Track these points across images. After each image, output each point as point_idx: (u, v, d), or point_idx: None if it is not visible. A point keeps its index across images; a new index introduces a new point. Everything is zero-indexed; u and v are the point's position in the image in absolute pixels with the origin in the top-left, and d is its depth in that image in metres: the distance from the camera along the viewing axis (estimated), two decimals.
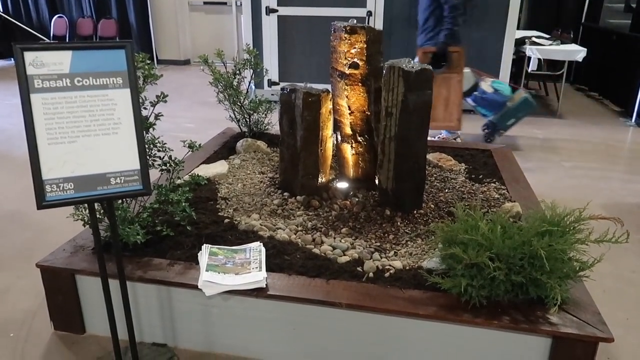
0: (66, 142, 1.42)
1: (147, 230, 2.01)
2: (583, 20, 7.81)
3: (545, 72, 6.09)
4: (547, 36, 6.30)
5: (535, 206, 2.42)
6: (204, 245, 1.99)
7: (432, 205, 2.54)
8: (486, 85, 4.63)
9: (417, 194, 2.51)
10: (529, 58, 5.74)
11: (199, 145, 2.16)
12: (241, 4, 6.41)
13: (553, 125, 5.54)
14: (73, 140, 1.42)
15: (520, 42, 5.88)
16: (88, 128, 1.44)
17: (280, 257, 1.99)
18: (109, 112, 1.46)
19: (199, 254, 1.95)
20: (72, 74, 1.42)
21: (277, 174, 2.81)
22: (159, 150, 2.08)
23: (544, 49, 5.72)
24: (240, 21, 7.77)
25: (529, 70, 5.78)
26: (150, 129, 1.96)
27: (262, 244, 2.04)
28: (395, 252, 2.10)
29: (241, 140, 3.27)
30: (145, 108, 1.97)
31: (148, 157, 2.08)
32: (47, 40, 8.82)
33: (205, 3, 9.02)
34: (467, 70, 4.54)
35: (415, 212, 2.46)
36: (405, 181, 2.43)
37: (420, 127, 2.39)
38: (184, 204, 2.03)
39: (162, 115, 1.95)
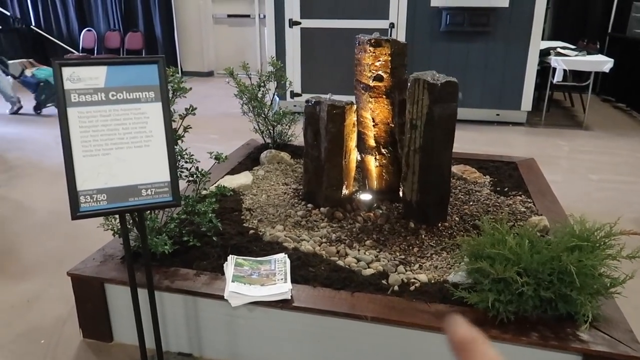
0: (100, 154, 1.46)
1: (174, 240, 2.04)
2: (609, 30, 7.69)
3: (570, 83, 6.00)
4: (573, 47, 6.22)
5: (563, 220, 2.38)
6: (230, 256, 2.01)
7: (457, 218, 2.52)
8: (29, 71, 6.19)
9: (441, 206, 2.50)
10: (554, 69, 5.67)
11: (225, 157, 2.19)
12: (264, 17, 6.50)
13: (579, 137, 5.45)
14: (107, 153, 1.47)
15: (545, 53, 5.81)
16: (121, 141, 1.48)
17: (305, 269, 1.99)
18: (141, 125, 1.50)
19: (224, 265, 1.97)
20: (106, 89, 1.47)
21: (301, 185, 2.83)
22: (186, 162, 2.12)
23: (570, 59, 5.64)
24: (264, 33, 7.88)
25: (554, 81, 5.71)
26: (179, 141, 2.00)
27: (286, 255, 2.05)
28: (420, 265, 2.09)
29: (265, 152, 3.31)
30: (174, 120, 2.01)
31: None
32: (77, 53, 9.08)
33: (229, 16, 9.18)
34: (13, 62, 6.23)
35: (439, 224, 2.45)
36: (429, 193, 2.42)
37: (445, 139, 2.38)
38: (210, 215, 2.06)
39: (190, 127, 1.99)
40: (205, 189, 2.24)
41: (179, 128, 1.98)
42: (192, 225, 2.15)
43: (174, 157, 1.52)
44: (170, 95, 1.99)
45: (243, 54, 8.83)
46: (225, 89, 3.61)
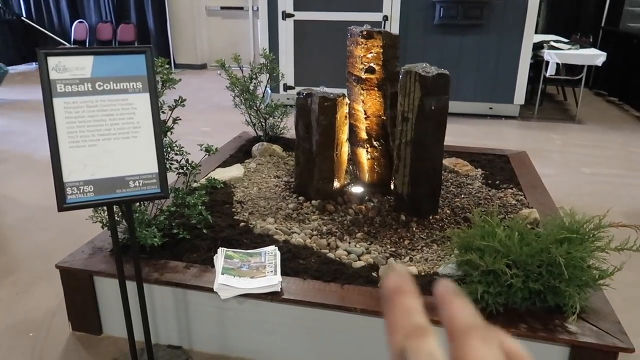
0: (87, 145, 1.45)
1: (163, 233, 2.03)
2: (603, 24, 7.70)
3: (563, 77, 6.01)
4: (566, 40, 6.23)
5: (554, 213, 2.39)
6: (220, 248, 2.00)
7: (448, 211, 2.52)
8: None
9: (433, 199, 2.50)
10: (547, 62, 5.67)
11: (216, 149, 2.17)
12: (258, 9, 6.46)
13: (572, 130, 5.47)
14: (94, 144, 1.45)
15: (538, 47, 5.82)
16: (108, 132, 1.46)
17: (295, 261, 1.99)
18: (128, 116, 1.48)
19: (214, 257, 1.96)
20: (93, 79, 1.45)
21: (293, 178, 2.82)
22: (176, 154, 2.10)
23: (563, 53, 5.65)
24: (257, 26, 7.83)
25: (547, 74, 5.72)
26: (168, 133, 1.98)
27: (277, 247, 2.05)
28: (410, 257, 2.09)
29: (257, 144, 3.29)
30: (163, 112, 1.99)
31: (165, 160, 2.10)
32: (68, 45, 8.99)
33: (222, 8, 9.11)
34: None
35: (430, 217, 2.45)
36: (421, 186, 2.42)
37: (437, 131, 2.37)
38: (200, 207, 2.05)
39: (180, 119, 1.97)
40: (195, 181, 2.23)
41: (168, 120, 1.97)
42: (182, 217, 2.14)
43: (162, 149, 1.50)
44: (160, 87, 1.97)
45: (236, 47, 8.77)
46: (218, 82, 3.59)
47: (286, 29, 5.92)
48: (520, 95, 5.66)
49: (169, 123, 1.96)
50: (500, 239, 1.72)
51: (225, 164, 3.09)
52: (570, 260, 1.62)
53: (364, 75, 2.52)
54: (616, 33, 7.20)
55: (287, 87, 5.98)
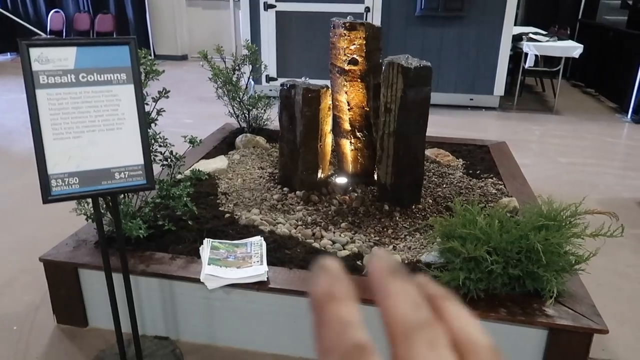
0: (71, 137, 1.44)
1: (149, 224, 2.03)
2: (580, 17, 7.84)
3: (542, 69, 6.11)
4: (544, 32, 6.33)
5: (532, 201, 2.46)
6: (206, 239, 2.02)
7: (430, 201, 2.57)
8: None
9: (415, 189, 2.54)
10: (526, 54, 5.76)
11: (200, 140, 2.18)
12: (239, 0, 6.41)
13: (550, 121, 5.58)
14: (78, 136, 1.44)
15: (517, 39, 5.90)
16: (93, 123, 1.46)
17: (281, 251, 2.01)
18: (113, 108, 1.48)
19: (200, 248, 1.97)
20: (76, 70, 1.44)
21: (277, 169, 2.83)
22: (160, 146, 2.10)
23: (541, 45, 5.74)
24: (238, 16, 7.76)
25: (526, 66, 5.81)
26: (152, 124, 1.98)
27: (262, 238, 2.07)
28: (394, 246, 2.13)
29: (240, 136, 3.29)
30: (147, 104, 1.98)
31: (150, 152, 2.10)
32: (44, 36, 8.79)
33: None
34: None
35: (413, 207, 2.49)
36: (403, 176, 2.46)
37: (419, 123, 2.41)
38: (185, 198, 2.05)
39: (164, 110, 1.97)
40: (179, 173, 2.23)
41: (152, 111, 1.96)
42: (167, 209, 2.14)
43: (147, 140, 1.51)
44: (143, 78, 1.96)
45: (218, 38, 8.69)
46: (199, 73, 3.57)
47: (268, 20, 5.90)
48: (500, 87, 5.74)
49: (153, 115, 1.95)
50: (481, 226, 1.77)
51: (208, 155, 3.09)
52: (548, 247, 1.68)
53: (347, 67, 2.54)
54: (593, 25, 7.34)
55: (269, 79, 5.96)
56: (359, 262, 1.95)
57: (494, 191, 2.68)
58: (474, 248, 1.71)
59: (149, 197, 2.10)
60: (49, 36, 8.76)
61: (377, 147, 2.49)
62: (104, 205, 1.90)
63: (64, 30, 8.81)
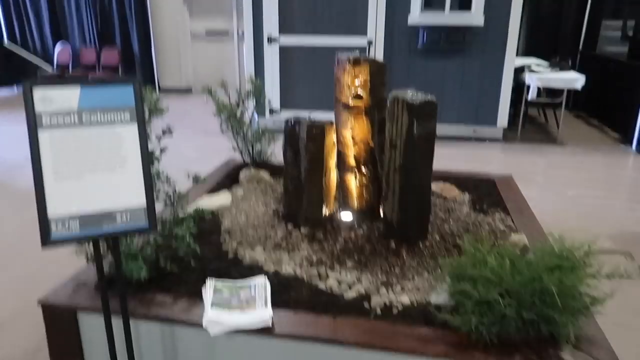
0: (73, 178, 1.41)
1: (150, 265, 1.98)
2: (580, 48, 7.92)
3: (544, 100, 6.14)
4: (546, 63, 6.38)
5: (542, 238, 2.40)
6: (208, 280, 1.96)
7: (437, 237, 2.52)
8: None
9: (422, 225, 2.49)
10: (529, 86, 5.79)
11: (204, 178, 2.15)
12: (243, 33, 6.51)
13: (554, 152, 5.56)
14: (80, 177, 1.41)
15: (519, 70, 5.95)
16: (95, 164, 1.43)
17: (286, 293, 1.95)
18: (116, 148, 1.45)
19: (202, 290, 1.92)
20: (80, 110, 1.42)
21: (281, 205, 2.79)
22: (162, 183, 2.07)
23: (544, 77, 5.78)
24: (242, 50, 7.88)
25: (529, 98, 5.83)
26: (156, 162, 1.95)
27: (267, 278, 2.01)
28: (402, 286, 2.07)
29: (244, 171, 3.27)
30: (150, 142, 1.97)
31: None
32: (50, 70, 8.92)
33: (207, 32, 9.16)
34: None
35: (420, 244, 2.44)
36: (410, 213, 2.42)
37: (425, 158, 2.38)
38: (188, 239, 2.01)
39: (167, 148, 1.95)
40: (182, 211, 2.19)
41: (155, 150, 1.94)
42: (170, 249, 2.10)
43: (150, 181, 1.48)
44: (147, 116, 1.95)
45: (222, 71, 8.81)
46: (204, 106, 3.59)
47: (271, 53, 5.97)
48: (503, 119, 5.76)
49: (157, 153, 1.93)
50: (492, 267, 1.72)
51: (212, 191, 3.06)
52: (562, 289, 1.62)
53: (351, 102, 2.53)
54: (594, 56, 7.41)
55: (272, 111, 5.99)
56: (366, 305, 1.89)
57: (502, 227, 2.63)
58: (486, 290, 1.65)
59: (151, 237, 2.06)
60: (55, 70, 8.89)
61: (383, 183, 2.46)
62: (105, 247, 1.86)
63: (71, 64, 8.95)
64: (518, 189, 3.26)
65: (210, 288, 1.91)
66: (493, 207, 2.91)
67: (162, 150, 1.94)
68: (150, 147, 1.90)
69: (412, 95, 2.36)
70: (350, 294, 1.97)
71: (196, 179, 2.11)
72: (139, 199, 1.46)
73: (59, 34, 9.26)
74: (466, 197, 3.10)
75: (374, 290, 2.00)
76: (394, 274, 2.19)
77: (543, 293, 1.63)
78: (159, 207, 2.19)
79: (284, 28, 5.83)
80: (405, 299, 1.93)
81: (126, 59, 8.97)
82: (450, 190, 3.15)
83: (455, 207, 2.94)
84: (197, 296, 1.91)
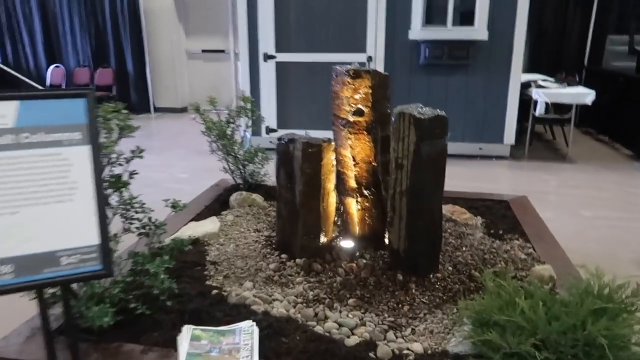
0: (7, 213, 1.14)
1: (119, 308, 1.69)
2: (586, 63, 7.73)
3: (552, 116, 5.90)
4: (553, 79, 6.16)
5: (570, 269, 2.12)
6: (185, 326, 1.67)
7: (450, 268, 2.23)
8: None
9: (432, 255, 2.21)
10: (535, 102, 5.56)
11: (184, 205, 1.88)
12: (239, 51, 6.31)
13: (564, 170, 5.30)
14: (15, 211, 1.14)
15: (525, 85, 5.72)
16: (35, 195, 1.16)
17: (277, 340, 1.66)
18: (62, 175, 1.18)
19: (178, 338, 1.63)
20: (17, 129, 1.16)
21: (274, 232, 2.51)
22: (137, 212, 1.80)
23: (552, 92, 5.55)
24: (238, 68, 7.69)
25: (537, 114, 5.59)
26: (124, 189, 1.68)
27: (254, 322, 1.72)
28: (412, 329, 1.78)
29: (235, 194, 3.00)
30: (120, 164, 1.70)
31: (124, 219, 1.80)
32: (42, 89, 8.73)
33: (203, 51, 9.00)
34: None
35: (431, 276, 2.15)
36: (419, 241, 2.14)
37: (435, 180, 2.12)
38: (162, 276, 1.72)
39: (137, 173, 1.68)
40: (160, 241, 1.92)
41: (123, 175, 1.67)
42: (142, 287, 1.81)
43: (104, 214, 1.20)
44: (116, 135, 1.69)
45: (218, 90, 8.63)
46: (198, 126, 3.31)
47: (268, 71, 5.75)
48: (510, 135, 5.51)
49: (125, 177, 1.66)
50: (522, 311, 1.43)
51: (199, 216, 2.78)
52: (612, 339, 1.33)
53: (351, 118, 2.27)
54: (600, 71, 7.21)
55: (269, 130, 5.75)
56: (371, 354, 1.60)
57: (523, 256, 2.34)
58: (518, 340, 1.37)
59: (119, 275, 1.77)
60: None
61: (388, 208, 2.19)
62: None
63: (64, 84, 8.76)
64: (535, 211, 2.99)
65: (187, 336, 1.62)
66: (510, 232, 2.62)
67: (131, 175, 1.67)
68: (118, 171, 1.64)
69: (419, 109, 2.11)
70: (352, 340, 1.68)
71: (174, 206, 1.84)
72: (91, 237, 1.19)
73: (53, 55, 9.10)
74: (478, 220, 2.82)
75: (379, 335, 1.71)
76: (402, 312, 1.90)
77: (588, 344, 1.34)
78: (133, 238, 1.91)
79: (280, 45, 5.64)
80: (417, 347, 1.64)
81: (120, 79, 8.78)
82: (460, 213, 2.87)
83: (468, 232, 2.65)
84: (172, 344, 1.62)
